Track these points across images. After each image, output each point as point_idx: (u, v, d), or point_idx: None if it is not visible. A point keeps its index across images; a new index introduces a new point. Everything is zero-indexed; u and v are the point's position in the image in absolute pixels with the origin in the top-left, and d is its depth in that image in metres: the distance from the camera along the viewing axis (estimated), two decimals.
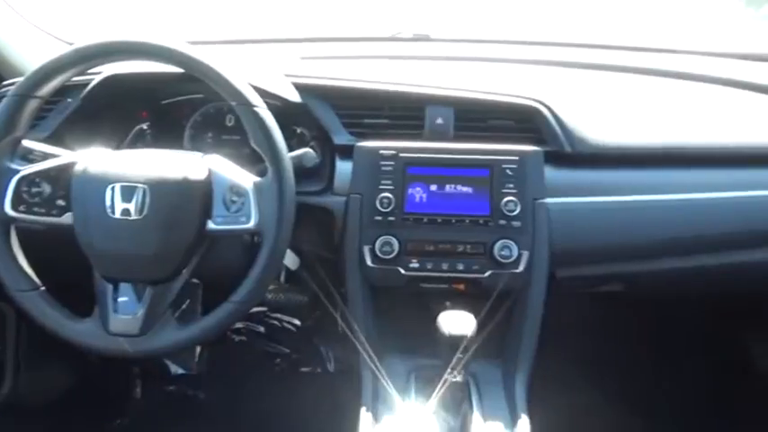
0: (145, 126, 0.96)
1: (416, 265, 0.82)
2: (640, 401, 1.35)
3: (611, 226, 0.86)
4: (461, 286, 0.86)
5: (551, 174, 0.85)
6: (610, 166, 0.87)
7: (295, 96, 0.86)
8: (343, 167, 0.86)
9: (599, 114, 0.90)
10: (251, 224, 0.71)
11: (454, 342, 0.72)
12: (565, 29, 1.42)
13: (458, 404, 0.76)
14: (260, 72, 0.86)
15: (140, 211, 0.69)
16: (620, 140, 0.88)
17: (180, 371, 1.36)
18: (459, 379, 0.74)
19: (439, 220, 0.83)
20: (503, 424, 0.75)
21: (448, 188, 0.84)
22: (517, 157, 0.83)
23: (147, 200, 0.69)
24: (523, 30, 1.36)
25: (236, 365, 1.40)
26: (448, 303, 0.85)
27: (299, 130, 0.92)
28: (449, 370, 0.74)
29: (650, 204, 0.85)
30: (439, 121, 0.87)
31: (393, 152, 0.84)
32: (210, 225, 0.72)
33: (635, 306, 1.26)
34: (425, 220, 0.83)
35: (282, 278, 0.90)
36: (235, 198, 0.72)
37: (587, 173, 0.87)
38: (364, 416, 0.75)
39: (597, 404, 1.32)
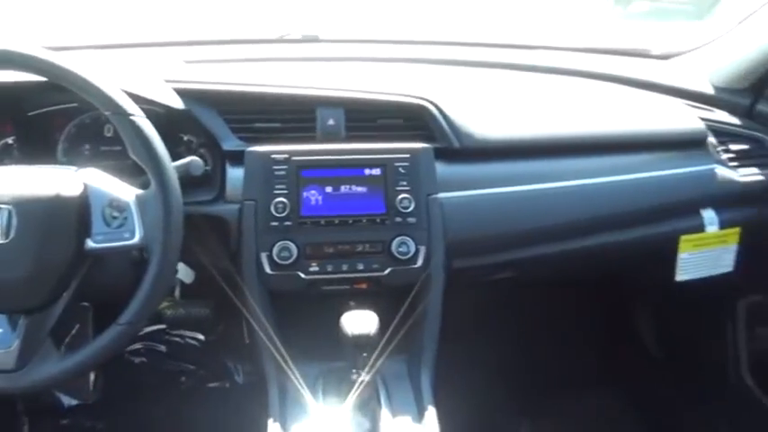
0: (10, 140, 0.88)
1: (316, 269, 0.82)
2: (538, 380, 1.44)
3: (502, 215, 0.90)
4: (363, 285, 0.86)
5: (443, 169, 0.87)
6: (496, 158, 0.91)
7: (177, 103, 0.83)
8: (235, 174, 0.83)
9: (483, 110, 0.94)
10: (135, 240, 0.67)
11: (358, 341, 0.72)
12: (449, 28, 1.48)
13: (367, 403, 0.77)
14: (136, 78, 0.81)
15: (6, 234, 0.63)
16: (503, 134, 0.92)
17: (73, 402, 1.26)
18: (366, 378, 0.74)
19: (336, 222, 0.83)
20: (411, 418, 0.77)
21: (343, 189, 0.84)
22: (408, 155, 0.85)
23: (14, 221, 0.63)
24: (410, 29, 1.39)
25: (137, 389, 1.32)
26: (352, 303, 0.86)
27: (185, 138, 0.88)
28: (355, 370, 0.74)
29: (535, 193, 0.90)
30: (330, 122, 0.87)
31: (285, 156, 0.83)
32: (90, 244, 0.67)
33: (527, 291, 1.33)
34: (323, 222, 0.82)
35: (177, 293, 0.86)
36: (116, 213, 0.67)
37: (476, 167, 0.91)
38: (272, 426, 0.73)
39: (500, 388, 1.39)
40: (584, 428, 1.36)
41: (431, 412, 0.77)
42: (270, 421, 0.74)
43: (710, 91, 1.13)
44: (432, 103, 0.89)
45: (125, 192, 0.68)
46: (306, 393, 0.78)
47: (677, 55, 1.24)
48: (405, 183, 0.84)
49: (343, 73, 1.03)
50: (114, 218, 0.67)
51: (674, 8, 2.54)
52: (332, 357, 0.83)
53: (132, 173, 0.75)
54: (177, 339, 1.31)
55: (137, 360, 1.31)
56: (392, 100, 0.89)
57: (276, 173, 0.82)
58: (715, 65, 1.15)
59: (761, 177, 1.02)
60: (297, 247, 0.80)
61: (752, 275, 1.10)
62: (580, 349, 1.51)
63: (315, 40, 1.20)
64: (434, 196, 0.85)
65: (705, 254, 1.03)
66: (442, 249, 0.85)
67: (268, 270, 0.80)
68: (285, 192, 0.81)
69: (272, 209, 0.80)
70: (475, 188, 0.89)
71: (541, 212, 0.92)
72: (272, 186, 0.81)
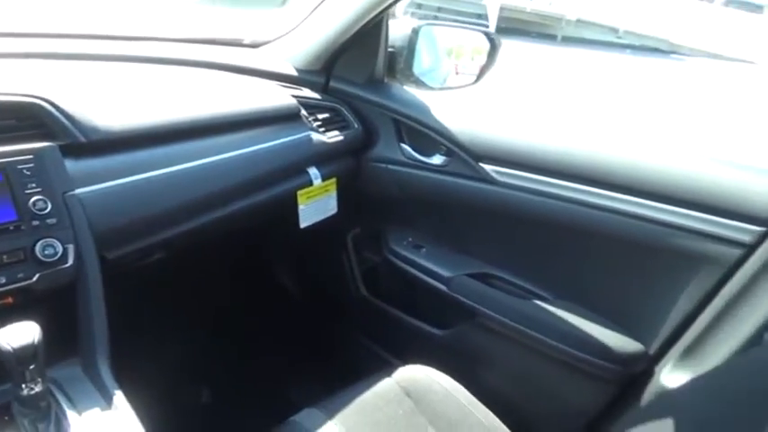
0: None
1: None
2: (219, 348, 1.55)
3: (142, 201, 0.95)
4: (9, 300, 0.80)
5: (75, 165, 0.86)
6: (125, 149, 0.95)
7: None
8: None
9: (102, 103, 0.95)
10: None
11: (19, 356, 0.68)
12: (56, 19, 1.37)
13: (45, 413, 0.74)
14: None
15: None
16: (127, 125, 0.95)
17: None
18: (38, 389, 0.72)
19: None
20: (99, 408, 0.78)
21: None
22: (31, 156, 0.81)
23: None
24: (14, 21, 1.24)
25: None
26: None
27: None
28: (24, 385, 0.71)
29: (167, 176, 0.97)
30: None
31: None
32: None
33: (185, 270, 1.41)
34: None
35: None
36: None
37: (108, 159, 0.92)
38: None
39: (182, 364, 1.45)
40: (257, 385, 1.54)
41: (118, 397, 0.80)
42: None
43: (295, 73, 1.38)
44: (44, 100, 0.86)
45: None
46: None
47: (265, 43, 1.46)
48: (34, 185, 0.81)
49: None
50: None
51: None
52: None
53: None
54: None
55: None
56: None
57: None
58: (295, 51, 1.40)
59: (342, 137, 1.33)
60: None
61: (349, 213, 1.43)
62: (248, 312, 1.68)
63: None
64: (71, 193, 0.84)
65: (316, 202, 1.30)
66: (92, 243, 0.85)
67: None
68: None
69: None
70: (112, 179, 0.90)
71: (176, 193, 0.99)
72: None
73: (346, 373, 1.12)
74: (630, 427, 0.72)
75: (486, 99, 1.48)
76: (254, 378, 1.56)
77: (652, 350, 1.10)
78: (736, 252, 0.98)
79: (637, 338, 1.11)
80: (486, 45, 1.47)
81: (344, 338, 1.65)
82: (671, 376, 1.05)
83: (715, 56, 16.64)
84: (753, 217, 0.96)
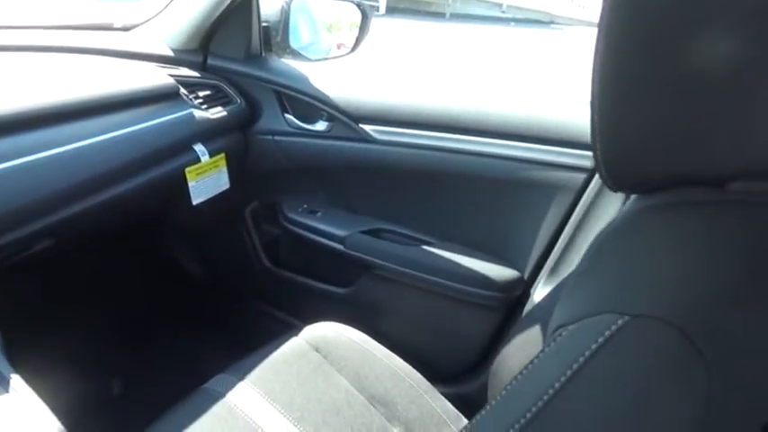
0: None
1: None
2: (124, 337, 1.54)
3: (18, 188, 0.93)
4: None
5: None
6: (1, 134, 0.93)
7: None
8: None
9: None
10: None
11: None
12: None
13: None
14: None
15: None
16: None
17: None
18: None
19: None
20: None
21: None
22: None
23: None
24: None
25: None
26: None
27: None
28: None
29: (43, 160, 0.96)
30: None
31: None
32: None
33: (77, 260, 1.39)
34: None
35: None
36: None
37: None
38: None
39: (81, 353, 1.43)
40: (167, 369, 1.55)
41: (16, 380, 0.79)
42: None
43: (171, 53, 1.38)
44: None
45: None
46: None
47: (136, 26, 1.45)
48: None
49: None
50: None
51: None
52: None
53: None
54: None
55: None
56: None
57: None
58: (169, 32, 1.39)
59: (225, 113, 1.35)
60: None
61: (244, 188, 1.46)
62: (150, 297, 1.67)
63: None
64: None
65: (207, 179, 1.31)
66: None
67: None
68: None
69: None
70: None
71: (53, 178, 0.97)
72: None
73: (256, 343, 1.15)
74: (518, 346, 0.80)
75: (364, 68, 1.56)
76: (163, 363, 1.56)
77: (526, 275, 1.23)
78: (581, 176, 1.13)
79: (513, 266, 1.24)
80: (359, 16, 1.54)
81: (250, 311, 1.68)
82: (542, 293, 1.19)
83: (590, 24, 17.90)
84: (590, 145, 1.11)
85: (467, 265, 1.25)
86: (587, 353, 0.40)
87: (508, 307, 1.25)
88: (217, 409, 0.97)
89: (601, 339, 0.40)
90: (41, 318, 1.31)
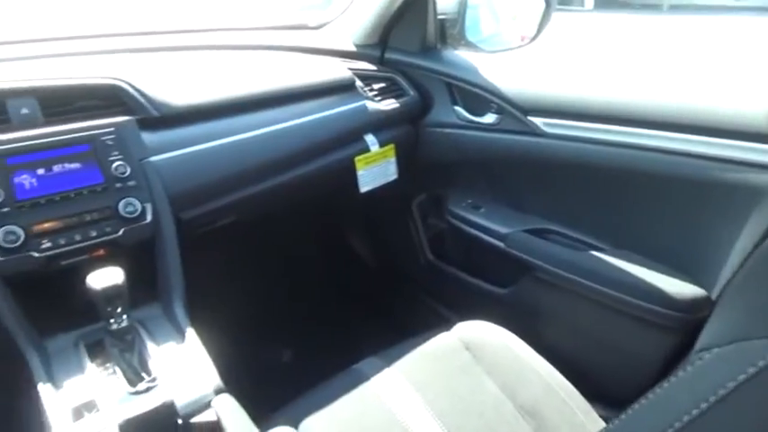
0: None
1: (49, 245, 0.86)
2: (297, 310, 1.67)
3: (210, 167, 1.07)
4: (101, 252, 0.94)
5: (150, 137, 1.00)
6: (194, 121, 1.07)
7: None
8: None
9: (173, 83, 1.09)
10: None
11: (107, 294, 0.80)
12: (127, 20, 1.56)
13: (130, 345, 0.87)
14: None
15: None
16: (196, 100, 1.08)
17: None
18: (124, 324, 0.84)
19: (58, 199, 0.88)
20: (174, 342, 0.90)
21: (56, 169, 0.90)
22: (113, 128, 0.96)
23: None
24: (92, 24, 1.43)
25: None
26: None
27: None
28: (113, 320, 0.83)
29: (233, 144, 1.09)
30: (24, 111, 0.92)
31: None
32: None
33: (264, 234, 1.54)
34: (43, 201, 0.87)
35: None
36: None
37: (179, 130, 1.05)
38: (42, 388, 0.78)
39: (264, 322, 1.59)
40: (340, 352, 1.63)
41: (190, 333, 0.91)
42: (39, 385, 0.79)
43: (353, 48, 1.46)
44: (123, 81, 1.00)
45: None
46: (70, 354, 0.85)
47: (326, 24, 1.55)
48: (116, 152, 0.94)
49: (31, 66, 1.06)
50: None
51: None
52: (88, 324, 0.91)
53: None
54: None
55: None
56: (85, 83, 0.98)
57: None
58: (353, 28, 1.48)
59: (397, 105, 1.38)
60: (21, 228, 0.84)
61: (413, 180, 1.48)
62: (321, 276, 1.79)
63: None
64: (147, 160, 0.97)
65: (375, 168, 1.36)
66: (167, 203, 0.98)
67: None
68: None
69: None
70: (182, 148, 1.03)
71: (242, 159, 1.11)
72: None
73: (410, 332, 1.16)
74: None
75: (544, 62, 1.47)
76: (326, 339, 1.65)
77: (714, 294, 1.04)
78: None
79: (698, 282, 1.06)
80: (542, 4, 1.46)
81: (411, 300, 1.71)
82: None
83: None
84: None
85: (644, 278, 1.10)
86: (731, 384, 0.32)
87: (690, 330, 1.08)
88: (361, 391, 0.99)
89: (752, 370, 0.31)
90: (223, 286, 1.48)
